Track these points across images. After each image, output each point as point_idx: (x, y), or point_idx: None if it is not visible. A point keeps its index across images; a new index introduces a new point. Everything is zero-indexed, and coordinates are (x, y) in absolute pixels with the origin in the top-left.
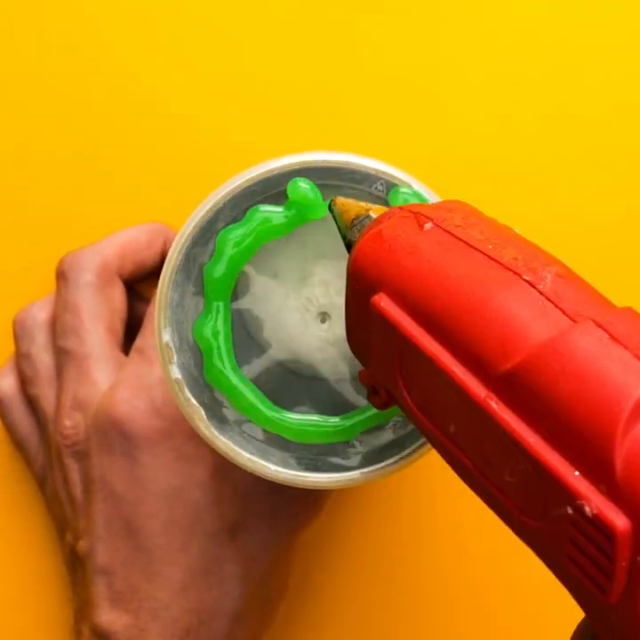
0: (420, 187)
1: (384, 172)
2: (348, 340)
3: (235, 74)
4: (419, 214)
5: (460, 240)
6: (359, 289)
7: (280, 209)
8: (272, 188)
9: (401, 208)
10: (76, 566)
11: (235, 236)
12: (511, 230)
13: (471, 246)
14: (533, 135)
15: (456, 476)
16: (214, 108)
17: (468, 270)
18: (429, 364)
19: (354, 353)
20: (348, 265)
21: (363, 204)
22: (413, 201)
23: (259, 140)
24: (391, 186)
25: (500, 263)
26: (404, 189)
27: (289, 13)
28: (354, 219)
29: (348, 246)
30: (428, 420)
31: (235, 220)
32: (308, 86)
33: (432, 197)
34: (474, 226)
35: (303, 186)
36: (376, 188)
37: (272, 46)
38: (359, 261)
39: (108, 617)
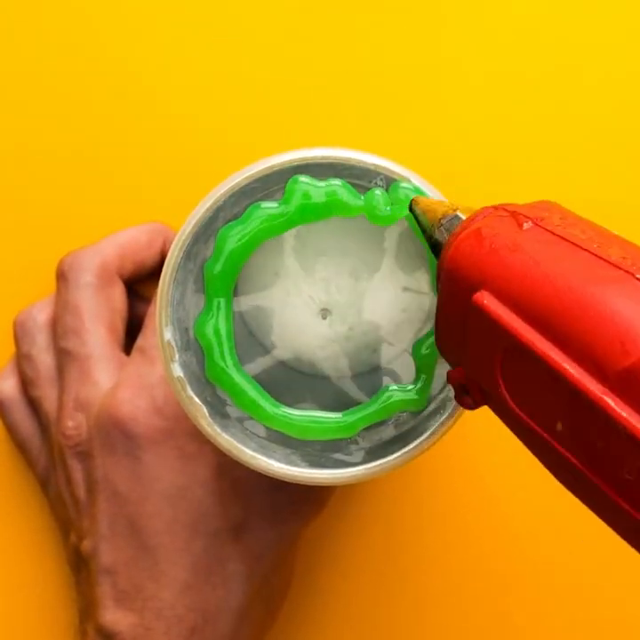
0: (419, 181)
1: (383, 168)
2: (437, 340)
3: (234, 73)
4: (516, 213)
5: (564, 239)
6: (457, 288)
7: (281, 206)
8: (272, 185)
9: (495, 207)
10: (79, 566)
11: (235, 233)
12: (610, 231)
13: (576, 245)
14: (533, 130)
15: (457, 471)
16: (214, 107)
17: (576, 268)
18: (537, 361)
19: (442, 353)
20: (441, 264)
21: (447, 203)
22: (414, 195)
23: (259, 139)
24: (391, 181)
25: (609, 262)
26: (404, 184)
27: (289, 13)
28: (440, 218)
29: (434, 246)
30: (531, 419)
31: (235, 217)
32: (308, 84)
33: (431, 192)
34: (574, 225)
35: (304, 182)
36: (376, 184)
37: (271, 45)
38: (458, 260)
39: (112, 616)
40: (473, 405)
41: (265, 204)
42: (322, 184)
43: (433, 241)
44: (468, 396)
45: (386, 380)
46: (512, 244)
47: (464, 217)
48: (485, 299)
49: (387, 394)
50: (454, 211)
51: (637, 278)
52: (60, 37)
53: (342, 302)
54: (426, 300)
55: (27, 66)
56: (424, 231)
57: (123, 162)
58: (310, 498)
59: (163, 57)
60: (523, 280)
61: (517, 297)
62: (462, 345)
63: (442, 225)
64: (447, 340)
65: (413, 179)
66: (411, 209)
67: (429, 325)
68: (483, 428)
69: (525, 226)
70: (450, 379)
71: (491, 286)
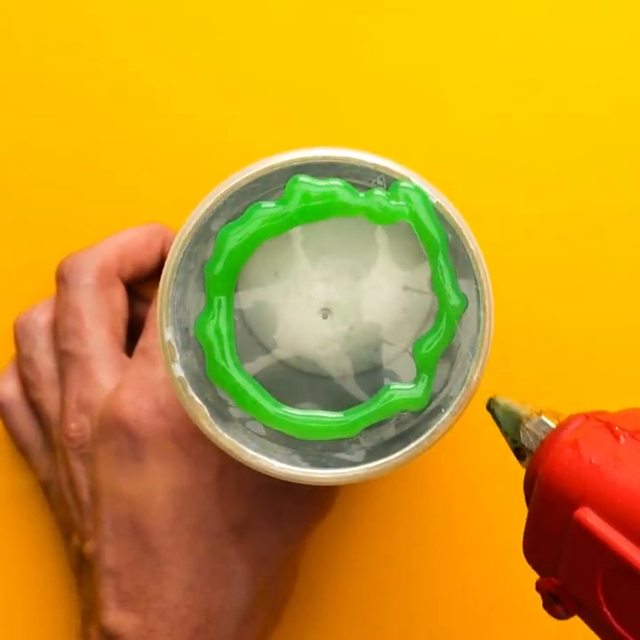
0: (419, 181)
1: (383, 167)
2: (525, 548)
3: (234, 73)
4: (610, 424)
5: None
6: (554, 500)
7: (281, 206)
8: (273, 185)
9: (587, 416)
10: (82, 568)
11: (235, 233)
12: None
13: None
14: (533, 130)
15: (459, 471)
16: (214, 107)
17: None
18: None
19: (529, 560)
20: (532, 472)
21: (528, 405)
22: (414, 196)
23: (259, 139)
24: (391, 180)
25: None
26: (404, 184)
27: (289, 13)
28: (525, 422)
29: (518, 450)
30: (633, 636)
31: (236, 217)
32: (308, 84)
33: (432, 191)
34: None
35: (304, 182)
36: (376, 183)
37: (272, 45)
38: (556, 472)
39: (115, 618)
40: (564, 615)
41: (265, 204)
42: (322, 184)
43: (516, 445)
44: (560, 605)
45: (387, 379)
46: (613, 459)
47: (550, 422)
48: (588, 516)
49: (388, 393)
50: (539, 415)
51: None
52: (60, 37)
53: (343, 302)
54: (426, 299)
55: (27, 66)
56: (505, 433)
57: (123, 162)
58: (314, 500)
59: (163, 57)
60: (627, 498)
61: (621, 515)
62: (557, 557)
63: (527, 429)
64: (538, 550)
65: (413, 178)
66: (489, 408)
67: (430, 325)
68: (484, 428)
69: (622, 439)
70: (538, 587)
71: (592, 502)
